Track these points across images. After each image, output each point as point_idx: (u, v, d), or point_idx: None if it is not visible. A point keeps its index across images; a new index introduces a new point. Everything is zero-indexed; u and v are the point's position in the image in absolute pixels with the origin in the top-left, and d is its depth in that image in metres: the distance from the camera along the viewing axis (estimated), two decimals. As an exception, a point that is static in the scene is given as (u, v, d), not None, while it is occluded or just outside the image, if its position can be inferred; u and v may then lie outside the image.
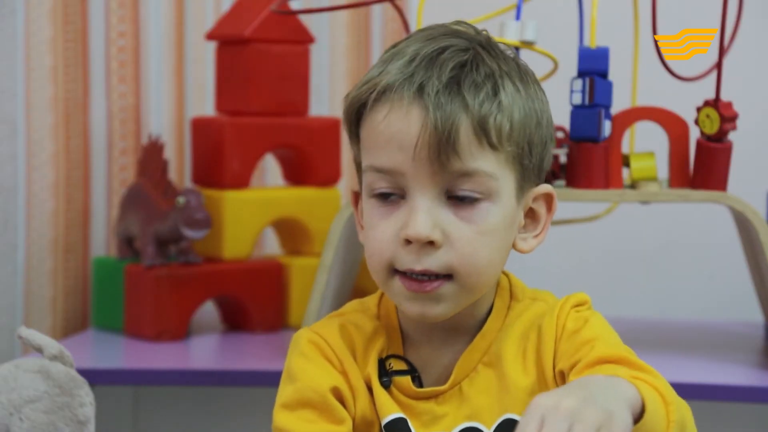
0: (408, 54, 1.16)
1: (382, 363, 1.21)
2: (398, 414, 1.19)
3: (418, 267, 1.14)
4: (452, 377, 1.20)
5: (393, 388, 1.20)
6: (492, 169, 1.15)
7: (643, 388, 1.03)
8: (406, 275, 1.15)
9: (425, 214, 1.14)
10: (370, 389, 1.20)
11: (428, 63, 1.15)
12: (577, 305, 1.21)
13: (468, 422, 1.18)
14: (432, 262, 1.14)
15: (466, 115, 1.13)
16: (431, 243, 1.14)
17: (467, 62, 1.15)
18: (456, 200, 1.15)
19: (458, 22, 1.22)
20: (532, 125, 1.17)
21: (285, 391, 1.20)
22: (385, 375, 1.20)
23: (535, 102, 1.18)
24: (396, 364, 1.21)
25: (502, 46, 1.21)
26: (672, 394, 1.06)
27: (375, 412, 1.20)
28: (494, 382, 1.19)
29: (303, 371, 1.19)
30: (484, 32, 1.21)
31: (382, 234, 1.16)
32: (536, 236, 1.22)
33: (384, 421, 1.19)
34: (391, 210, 1.16)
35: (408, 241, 1.14)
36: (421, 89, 1.13)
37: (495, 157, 1.15)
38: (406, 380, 1.20)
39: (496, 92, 1.15)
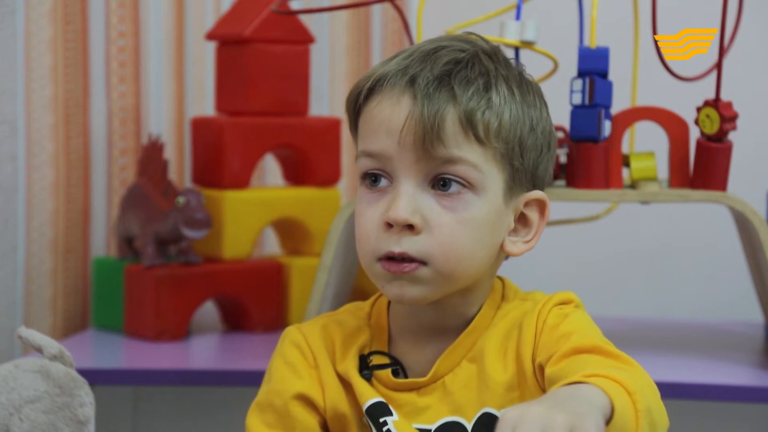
0: (408, 51, 1.21)
1: (363, 359, 1.23)
2: (378, 398, 1.20)
3: (397, 249, 1.17)
4: (433, 370, 1.22)
5: (374, 381, 1.23)
6: (477, 161, 1.17)
7: (606, 386, 1.02)
8: (386, 259, 1.18)
9: (407, 198, 1.17)
10: (346, 383, 1.23)
11: (424, 57, 1.19)
12: (561, 303, 1.22)
13: (450, 416, 1.20)
14: (410, 245, 1.17)
15: (453, 107, 1.16)
16: (411, 227, 1.17)
17: (462, 60, 1.19)
18: (440, 188, 1.17)
19: (470, 34, 1.25)
20: (525, 128, 1.19)
21: (262, 390, 1.26)
22: (366, 368, 1.23)
23: (531, 109, 1.21)
24: (378, 360, 1.24)
25: (512, 62, 1.24)
26: (635, 382, 1.05)
27: (350, 404, 1.23)
28: (475, 377, 1.21)
29: (277, 374, 1.25)
30: (496, 45, 1.24)
31: (368, 219, 1.20)
32: (527, 242, 1.24)
33: (365, 406, 1.22)
34: (378, 197, 1.19)
35: (389, 225, 1.17)
36: (412, 80, 1.18)
37: (482, 150, 1.17)
38: (385, 373, 1.23)
39: (487, 89, 1.18)
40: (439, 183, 1.17)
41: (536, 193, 1.23)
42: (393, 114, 1.17)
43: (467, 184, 1.17)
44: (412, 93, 1.17)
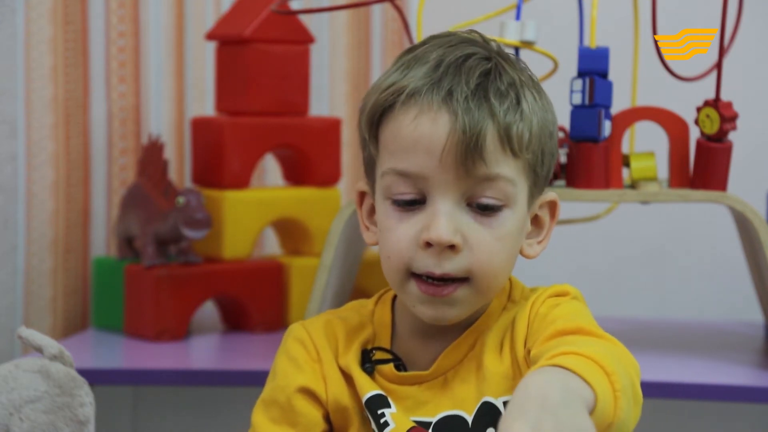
0: (431, 60, 1.18)
1: (366, 353, 1.24)
2: (378, 391, 1.22)
3: (438, 271, 1.17)
4: (435, 365, 1.22)
5: (376, 374, 1.24)
6: (512, 175, 1.17)
7: (588, 372, 1.02)
8: (423, 279, 1.17)
9: (447, 218, 1.16)
10: (348, 377, 1.24)
11: (455, 69, 1.17)
12: (555, 295, 1.22)
13: (451, 410, 1.21)
14: (451, 266, 1.16)
15: (492, 122, 1.15)
16: (452, 247, 1.16)
17: (491, 70, 1.18)
18: (478, 208, 1.17)
19: (471, 32, 1.24)
20: (546, 135, 1.20)
21: (266, 386, 1.26)
22: (369, 362, 1.23)
23: (548, 113, 1.22)
24: (380, 356, 1.24)
25: (512, 57, 1.23)
26: (612, 360, 1.05)
27: (351, 397, 1.23)
28: (474, 371, 1.22)
29: (281, 370, 1.25)
30: (493, 42, 1.23)
31: (401, 237, 1.18)
32: (540, 242, 1.25)
33: (364, 398, 1.22)
34: (409, 213, 1.18)
35: (428, 245, 1.16)
36: (449, 95, 1.15)
37: (515, 163, 1.17)
38: (388, 367, 1.23)
39: (518, 101, 1.17)
40: (478, 205, 1.17)
41: (549, 195, 1.24)
42: (432, 131, 1.15)
43: (504, 201, 1.17)
44: (451, 108, 1.15)
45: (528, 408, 0.97)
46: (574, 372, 1.01)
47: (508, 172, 1.17)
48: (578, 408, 0.98)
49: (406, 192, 1.18)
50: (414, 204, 1.18)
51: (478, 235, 1.16)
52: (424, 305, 1.18)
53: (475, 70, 1.16)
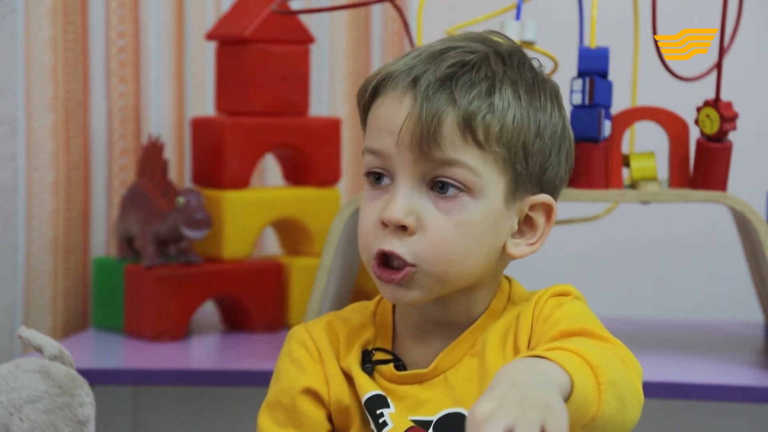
0: (419, 50, 1.21)
1: (366, 353, 1.25)
2: (377, 391, 1.22)
3: (387, 247, 1.18)
4: (435, 363, 1.22)
5: (376, 374, 1.24)
6: (475, 164, 1.17)
7: (567, 361, 1.02)
8: (379, 260, 1.19)
9: (403, 199, 1.18)
10: (349, 378, 1.25)
11: (430, 58, 1.19)
12: (557, 295, 1.22)
13: (452, 408, 1.21)
14: (401, 246, 1.18)
15: (452, 109, 1.17)
16: (404, 228, 1.17)
17: (469, 62, 1.19)
18: (437, 190, 1.18)
19: (491, 32, 1.24)
20: (530, 133, 1.19)
21: (270, 389, 1.27)
22: (369, 362, 1.24)
23: (538, 113, 1.20)
24: (381, 356, 1.25)
25: (535, 63, 1.23)
26: (600, 355, 1.05)
27: (353, 398, 1.24)
28: (476, 370, 1.22)
29: (284, 372, 1.26)
30: (514, 44, 1.23)
31: (367, 217, 1.21)
32: (531, 244, 1.23)
33: (364, 398, 1.23)
34: (379, 194, 1.20)
35: (384, 224, 1.18)
36: (415, 81, 1.18)
37: (481, 154, 1.17)
38: (388, 367, 1.24)
39: (490, 93, 1.18)
40: (437, 185, 1.18)
41: (542, 197, 1.22)
42: (394, 114, 1.18)
43: (464, 188, 1.17)
44: (414, 94, 1.17)
45: (496, 387, 0.99)
46: (551, 360, 1.02)
47: (468, 161, 1.17)
48: (548, 387, 0.99)
49: (376, 166, 1.20)
50: (384, 180, 1.20)
51: (433, 219, 1.17)
52: (383, 287, 1.20)
53: (449, 60, 1.18)
